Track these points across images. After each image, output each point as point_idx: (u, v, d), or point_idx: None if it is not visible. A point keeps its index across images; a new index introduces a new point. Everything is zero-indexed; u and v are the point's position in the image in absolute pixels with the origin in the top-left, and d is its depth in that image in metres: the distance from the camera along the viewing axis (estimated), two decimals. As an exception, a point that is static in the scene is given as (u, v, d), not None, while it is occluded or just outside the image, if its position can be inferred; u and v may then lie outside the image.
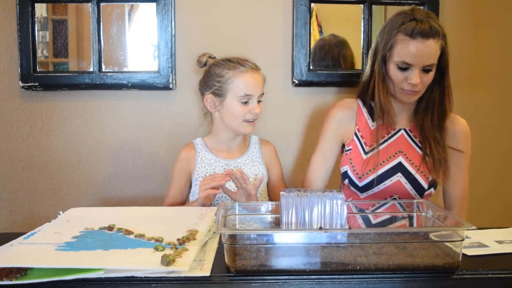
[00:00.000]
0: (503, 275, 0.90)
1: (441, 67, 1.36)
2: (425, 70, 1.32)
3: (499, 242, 1.06)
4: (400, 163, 1.39)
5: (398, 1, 1.75)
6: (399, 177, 1.39)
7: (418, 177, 1.38)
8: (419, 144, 1.42)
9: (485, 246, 1.04)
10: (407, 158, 1.40)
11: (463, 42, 1.81)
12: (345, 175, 1.44)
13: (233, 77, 1.43)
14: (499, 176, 1.88)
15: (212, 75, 1.47)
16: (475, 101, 1.84)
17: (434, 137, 1.38)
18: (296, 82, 1.74)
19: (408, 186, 1.38)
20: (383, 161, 1.40)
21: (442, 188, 1.47)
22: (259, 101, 1.47)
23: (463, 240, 0.90)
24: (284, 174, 1.71)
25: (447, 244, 0.93)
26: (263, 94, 1.48)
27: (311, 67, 1.74)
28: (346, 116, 1.47)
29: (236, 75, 1.43)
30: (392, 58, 1.33)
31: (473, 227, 0.89)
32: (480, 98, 1.84)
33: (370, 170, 1.39)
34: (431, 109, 1.40)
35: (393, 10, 1.74)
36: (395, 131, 1.43)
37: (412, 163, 1.39)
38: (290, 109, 1.78)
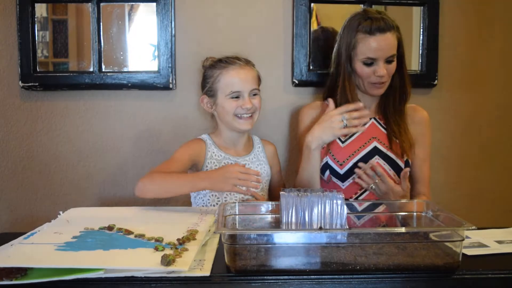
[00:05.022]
0: (503, 275, 0.90)
1: (399, 56, 1.46)
2: (388, 61, 1.43)
3: (499, 242, 1.06)
4: (375, 147, 1.49)
5: (398, 1, 1.75)
6: (377, 159, 1.47)
7: (394, 157, 1.48)
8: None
9: (485, 246, 1.04)
10: (380, 142, 1.50)
11: (463, 42, 1.81)
12: (325, 166, 1.50)
13: (220, 76, 1.46)
14: (499, 176, 1.88)
15: (204, 77, 1.51)
16: (475, 101, 1.83)
17: (395, 120, 1.50)
18: (296, 82, 1.74)
19: (386, 167, 1.47)
20: (360, 147, 1.49)
21: (410, 170, 1.53)
22: (255, 95, 1.47)
23: (463, 240, 0.90)
24: (283, 174, 1.72)
25: (447, 244, 0.93)
26: (256, 89, 1.47)
27: (311, 67, 1.74)
28: (313, 116, 1.56)
29: (223, 74, 1.45)
30: (357, 57, 1.44)
31: (473, 227, 0.89)
32: (480, 97, 1.84)
33: (350, 156, 1.48)
34: (393, 95, 1.51)
35: (393, 10, 1.75)
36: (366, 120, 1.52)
37: (387, 146, 1.49)
38: (290, 109, 1.78)
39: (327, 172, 1.50)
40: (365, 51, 1.41)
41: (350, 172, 1.47)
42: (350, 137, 1.51)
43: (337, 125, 1.36)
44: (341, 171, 1.48)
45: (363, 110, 1.37)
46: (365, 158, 1.47)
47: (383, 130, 1.52)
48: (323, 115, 1.42)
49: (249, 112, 1.45)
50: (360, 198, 1.46)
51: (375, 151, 1.48)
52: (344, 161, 1.48)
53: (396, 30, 1.43)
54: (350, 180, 1.48)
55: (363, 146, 1.49)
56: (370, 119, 1.53)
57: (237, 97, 1.45)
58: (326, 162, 1.50)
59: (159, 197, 1.34)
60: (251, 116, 1.47)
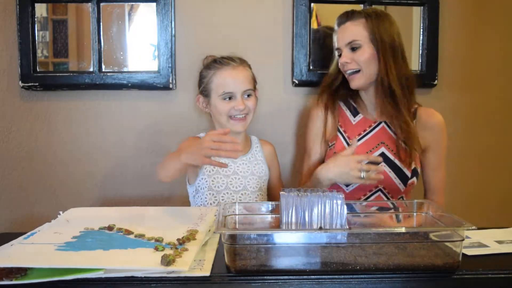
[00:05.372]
0: (503, 275, 0.90)
1: (377, 47, 1.41)
2: (352, 48, 1.42)
3: (499, 242, 1.06)
4: (383, 153, 1.45)
5: (398, 1, 1.75)
6: (383, 166, 1.43)
7: (401, 166, 1.43)
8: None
9: (485, 246, 1.04)
10: (388, 148, 1.46)
11: (463, 42, 1.81)
12: None
13: (213, 77, 1.47)
14: (499, 176, 1.88)
15: (200, 77, 1.53)
16: (475, 101, 1.83)
17: (403, 124, 1.42)
18: (296, 82, 1.74)
19: (392, 175, 1.43)
20: (367, 152, 1.45)
21: (422, 178, 1.52)
22: (248, 95, 1.47)
23: (463, 240, 0.90)
24: (283, 174, 1.72)
25: (447, 244, 0.93)
26: (250, 89, 1.47)
27: (311, 67, 1.74)
28: (326, 115, 1.54)
29: (216, 75, 1.46)
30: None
31: (473, 227, 0.89)
32: (481, 98, 1.84)
33: None
34: (382, 92, 1.43)
35: (393, 10, 1.75)
36: (376, 123, 1.50)
37: (394, 153, 1.45)
38: (290, 109, 1.78)
39: None
40: (334, 43, 1.49)
41: None
42: (358, 140, 1.47)
43: (355, 175, 1.30)
44: None
45: (380, 166, 1.33)
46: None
47: (393, 135, 1.47)
48: (341, 156, 1.34)
49: (242, 113, 1.46)
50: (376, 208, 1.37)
51: (382, 157, 1.42)
52: None
53: (366, 19, 1.41)
54: (354, 185, 1.45)
55: (371, 151, 1.46)
56: (380, 122, 1.49)
57: (230, 98, 1.45)
58: None
59: (170, 178, 1.30)
60: (245, 118, 1.47)
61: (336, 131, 1.52)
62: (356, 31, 1.41)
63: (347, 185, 1.46)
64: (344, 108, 1.55)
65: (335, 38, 1.48)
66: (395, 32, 1.42)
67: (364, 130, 1.49)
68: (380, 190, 1.45)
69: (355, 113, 1.53)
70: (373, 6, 1.72)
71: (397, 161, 1.44)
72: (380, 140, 1.47)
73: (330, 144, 1.53)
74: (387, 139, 1.47)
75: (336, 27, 1.48)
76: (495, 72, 1.84)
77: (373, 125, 1.50)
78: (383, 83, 1.41)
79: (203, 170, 1.49)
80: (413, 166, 1.45)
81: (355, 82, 1.45)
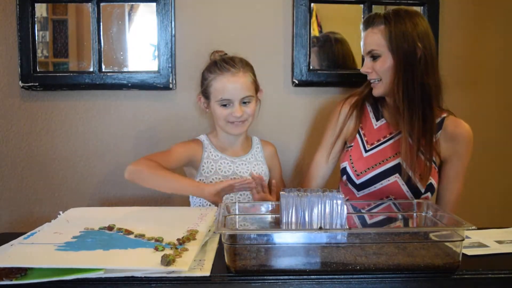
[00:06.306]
0: (503, 275, 0.90)
1: (395, 56, 1.34)
2: (372, 57, 1.38)
3: (499, 242, 1.06)
4: (399, 164, 1.39)
5: (398, 1, 1.75)
6: (396, 178, 1.39)
7: (415, 179, 1.37)
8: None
9: (485, 246, 1.04)
10: (406, 159, 1.37)
11: (463, 42, 1.81)
12: (343, 171, 1.45)
13: (213, 81, 1.45)
14: (499, 176, 1.88)
15: (202, 77, 1.51)
16: (476, 101, 1.83)
17: (420, 135, 1.35)
18: (296, 82, 1.74)
19: (404, 188, 1.38)
20: (382, 161, 1.41)
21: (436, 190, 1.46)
22: (247, 102, 1.45)
23: (463, 240, 0.90)
24: (284, 174, 1.72)
25: (447, 244, 0.93)
26: (249, 96, 1.45)
27: (311, 67, 1.74)
28: (351, 113, 1.49)
29: (216, 79, 1.44)
30: None
31: (473, 227, 0.89)
32: (481, 97, 1.84)
33: (368, 168, 1.41)
34: (398, 97, 1.37)
35: (393, 10, 1.74)
36: (397, 132, 1.43)
37: (410, 165, 1.37)
38: (290, 109, 1.78)
39: (345, 177, 1.45)
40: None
41: (366, 184, 1.40)
42: (375, 147, 1.43)
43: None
44: (357, 181, 1.41)
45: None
46: (384, 174, 1.39)
47: (412, 146, 1.37)
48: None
49: (239, 120, 1.45)
50: (377, 210, 1.30)
51: (397, 169, 1.38)
52: (362, 172, 1.41)
53: (385, 24, 1.34)
54: (365, 191, 1.41)
55: (386, 160, 1.40)
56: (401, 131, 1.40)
57: (228, 104, 1.44)
58: (344, 168, 1.44)
59: (155, 188, 1.38)
60: (243, 122, 1.47)
61: (356, 132, 1.47)
62: (375, 39, 1.36)
63: (358, 190, 1.43)
64: (369, 110, 1.49)
65: (361, 43, 1.44)
66: (419, 35, 1.33)
67: (384, 137, 1.44)
68: (391, 199, 1.40)
69: (379, 117, 1.47)
70: (373, 7, 1.73)
71: (411, 174, 1.37)
72: (397, 149, 1.40)
73: (348, 145, 1.49)
74: (405, 149, 1.37)
75: (361, 33, 1.42)
76: (495, 72, 1.84)
77: (394, 133, 1.43)
78: (400, 93, 1.34)
79: (200, 171, 1.49)
80: (428, 181, 1.38)
81: (376, 91, 1.41)
